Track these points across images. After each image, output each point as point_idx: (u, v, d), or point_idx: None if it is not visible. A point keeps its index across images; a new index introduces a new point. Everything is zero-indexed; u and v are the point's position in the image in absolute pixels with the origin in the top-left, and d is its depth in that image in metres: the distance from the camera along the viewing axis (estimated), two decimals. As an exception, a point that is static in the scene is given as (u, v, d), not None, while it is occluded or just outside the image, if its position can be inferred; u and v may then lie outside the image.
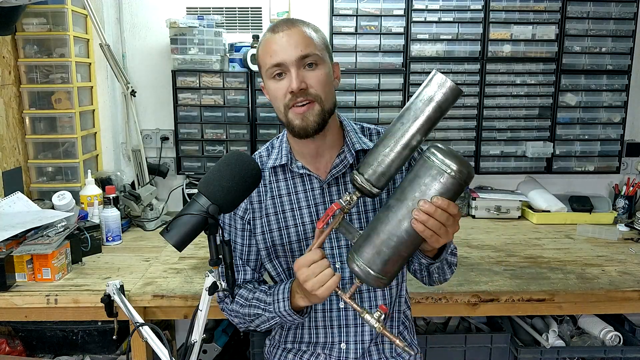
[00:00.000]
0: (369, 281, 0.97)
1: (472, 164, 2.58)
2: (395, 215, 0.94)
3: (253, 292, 1.22)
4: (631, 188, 2.55)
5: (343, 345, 1.24)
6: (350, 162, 1.19)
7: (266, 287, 1.23)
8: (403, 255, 0.96)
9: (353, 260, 0.98)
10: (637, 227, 2.32)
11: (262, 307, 1.18)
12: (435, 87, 0.92)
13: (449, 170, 0.90)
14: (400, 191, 0.95)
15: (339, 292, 1.02)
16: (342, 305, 1.22)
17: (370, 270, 0.96)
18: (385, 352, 1.27)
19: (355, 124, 1.26)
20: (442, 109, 0.93)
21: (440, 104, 0.93)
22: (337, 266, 1.20)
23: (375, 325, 0.99)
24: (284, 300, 1.13)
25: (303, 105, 1.09)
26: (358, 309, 1.01)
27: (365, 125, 1.28)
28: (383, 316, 1.00)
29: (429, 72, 0.95)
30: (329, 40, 1.57)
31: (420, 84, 0.96)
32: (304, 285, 1.02)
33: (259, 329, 1.24)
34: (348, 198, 1.00)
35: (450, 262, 1.16)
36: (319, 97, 1.10)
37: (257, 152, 1.28)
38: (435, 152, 0.92)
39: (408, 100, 1.00)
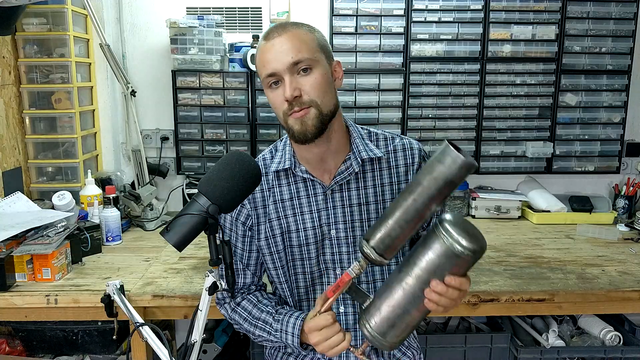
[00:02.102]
0: (379, 347, 1.01)
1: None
2: (410, 289, 0.96)
3: (259, 310, 1.21)
4: (631, 188, 2.55)
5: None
6: (356, 170, 1.17)
7: (273, 308, 1.21)
8: (413, 325, 0.99)
9: (364, 326, 1.00)
10: (637, 227, 2.32)
11: (268, 330, 1.18)
12: (448, 163, 0.87)
13: (463, 250, 0.89)
14: (413, 264, 0.96)
15: (352, 349, 1.06)
16: (342, 309, 1.22)
17: (381, 338, 0.99)
18: (384, 355, 1.26)
19: (362, 128, 1.24)
20: (455, 184, 0.90)
21: (453, 179, 0.88)
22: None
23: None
24: (293, 335, 1.14)
25: (300, 110, 1.08)
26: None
27: (372, 130, 1.25)
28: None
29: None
30: (328, 40, 1.55)
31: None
32: (316, 348, 1.06)
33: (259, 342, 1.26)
34: (358, 268, 1.00)
35: None
36: (315, 102, 1.08)
37: (260, 155, 1.27)
38: (450, 229, 0.90)
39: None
